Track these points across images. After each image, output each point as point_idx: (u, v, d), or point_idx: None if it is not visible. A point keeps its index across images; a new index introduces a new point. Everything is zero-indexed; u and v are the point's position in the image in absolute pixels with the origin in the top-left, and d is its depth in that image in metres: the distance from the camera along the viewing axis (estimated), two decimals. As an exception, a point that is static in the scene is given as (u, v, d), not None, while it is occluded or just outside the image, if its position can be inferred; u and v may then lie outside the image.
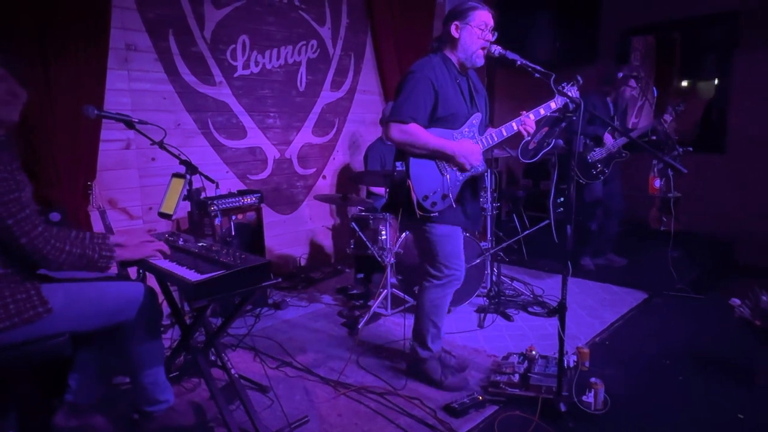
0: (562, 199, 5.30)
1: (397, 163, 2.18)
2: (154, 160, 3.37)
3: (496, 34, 2.20)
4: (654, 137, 4.16)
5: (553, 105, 2.18)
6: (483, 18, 2.18)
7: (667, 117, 3.82)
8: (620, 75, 3.88)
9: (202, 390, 2.39)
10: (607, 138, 3.81)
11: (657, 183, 3.95)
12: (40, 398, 1.93)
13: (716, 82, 5.02)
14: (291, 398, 2.33)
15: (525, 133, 2.20)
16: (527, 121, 2.21)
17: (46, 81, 2.74)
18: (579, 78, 1.95)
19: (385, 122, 2.17)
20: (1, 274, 1.58)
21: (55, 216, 2.74)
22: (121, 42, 3.15)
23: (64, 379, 1.94)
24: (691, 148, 3.68)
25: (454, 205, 2.25)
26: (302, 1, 4.02)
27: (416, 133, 2.14)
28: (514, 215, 4.85)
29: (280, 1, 3.89)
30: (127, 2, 3.14)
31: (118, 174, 3.24)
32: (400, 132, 2.13)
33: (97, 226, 3.00)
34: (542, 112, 2.22)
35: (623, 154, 3.83)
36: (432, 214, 2.20)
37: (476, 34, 2.17)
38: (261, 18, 3.79)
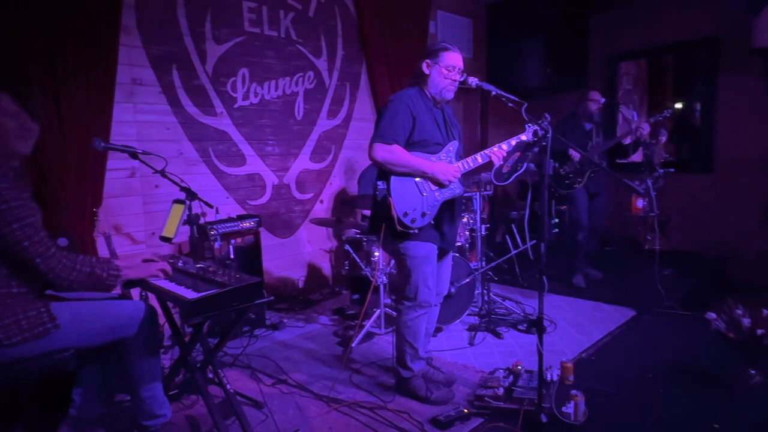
0: (557, 219, 5.44)
1: (379, 182, 2.36)
2: (158, 187, 3.53)
3: (464, 75, 2.40)
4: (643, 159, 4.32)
5: (523, 137, 2.39)
6: (451, 60, 2.39)
7: (662, 138, 4.02)
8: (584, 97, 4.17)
9: (200, 406, 2.49)
10: (573, 152, 4.01)
11: (640, 203, 4.08)
12: (45, 412, 2.04)
13: (702, 104, 5.20)
14: (284, 413, 2.43)
15: (495, 160, 2.37)
16: (497, 151, 2.40)
17: (57, 115, 2.93)
18: (547, 115, 2.14)
19: (369, 144, 2.34)
20: (14, 294, 1.72)
21: (62, 241, 2.90)
22: (128, 77, 3.35)
23: (69, 393, 2.06)
24: (673, 169, 3.81)
25: (432, 223, 2.41)
26: (299, 35, 4.25)
27: (399, 152, 2.33)
28: (507, 236, 4.97)
29: (279, 36, 4.12)
30: (134, 41, 3.36)
31: (123, 201, 3.40)
32: (384, 151, 2.32)
33: (102, 251, 3.14)
34: (513, 143, 2.42)
35: (599, 165, 3.97)
36: (411, 231, 2.35)
37: (443, 74, 2.39)
38: (260, 52, 4.01)
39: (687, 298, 3.87)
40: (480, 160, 2.42)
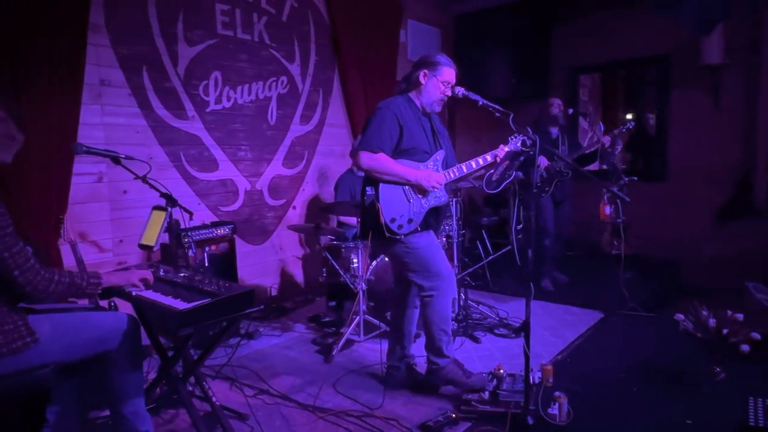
0: (520, 226, 5.59)
1: (367, 188, 2.40)
2: (126, 192, 3.39)
3: (456, 89, 2.44)
4: (605, 167, 4.52)
5: (506, 149, 2.47)
6: (448, 76, 2.45)
7: (618, 148, 4.22)
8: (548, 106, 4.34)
9: (180, 421, 2.40)
10: (541, 159, 4.15)
11: (607, 209, 4.27)
12: (18, 433, 1.91)
13: (656, 117, 5.50)
14: (271, 424, 2.37)
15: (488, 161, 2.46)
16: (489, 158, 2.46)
17: (19, 116, 2.75)
18: (528, 128, 2.24)
19: (355, 151, 2.37)
20: (-11, 306, 1.61)
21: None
22: (95, 78, 3.20)
23: (42, 412, 1.94)
24: (636, 178, 4.01)
25: (419, 230, 2.45)
26: (273, 40, 4.20)
27: (384, 161, 2.37)
28: (478, 242, 5.06)
29: (252, 39, 4.05)
30: (102, 40, 3.22)
31: (90, 207, 3.24)
32: (369, 159, 2.36)
33: (68, 260, 2.99)
34: (498, 154, 2.48)
35: (565, 174, 4.14)
36: (397, 236, 2.39)
37: (439, 88, 2.45)
38: (233, 55, 3.93)
39: (648, 301, 4.06)
40: (465, 169, 2.49)
